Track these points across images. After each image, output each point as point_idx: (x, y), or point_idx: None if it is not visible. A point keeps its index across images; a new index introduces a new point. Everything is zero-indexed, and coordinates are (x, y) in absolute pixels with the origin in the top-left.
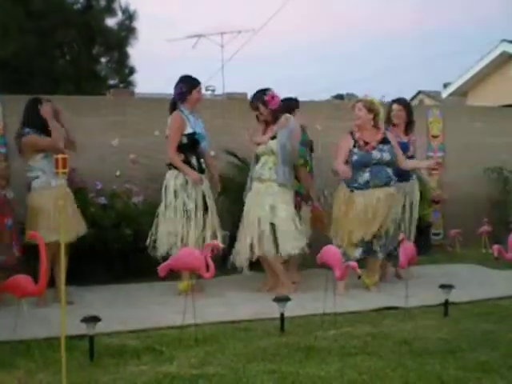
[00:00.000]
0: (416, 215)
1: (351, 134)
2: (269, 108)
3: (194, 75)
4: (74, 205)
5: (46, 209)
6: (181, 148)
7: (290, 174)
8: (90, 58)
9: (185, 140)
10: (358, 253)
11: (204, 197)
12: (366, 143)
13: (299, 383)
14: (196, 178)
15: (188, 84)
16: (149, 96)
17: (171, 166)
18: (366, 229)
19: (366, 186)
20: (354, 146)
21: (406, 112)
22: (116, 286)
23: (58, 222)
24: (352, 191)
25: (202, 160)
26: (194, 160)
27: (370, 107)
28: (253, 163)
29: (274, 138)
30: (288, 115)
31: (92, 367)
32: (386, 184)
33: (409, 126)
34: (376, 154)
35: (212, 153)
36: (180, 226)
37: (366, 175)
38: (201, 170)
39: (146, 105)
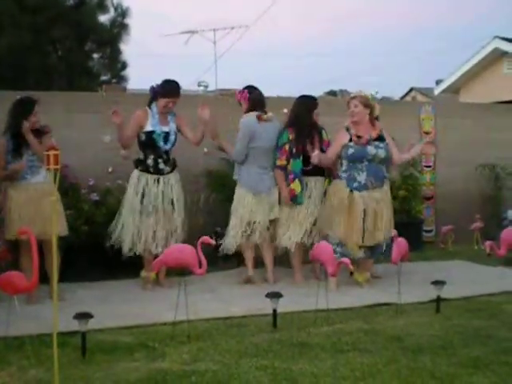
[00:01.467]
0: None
1: (347, 129)
2: (244, 104)
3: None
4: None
5: (19, 204)
6: (140, 145)
7: (241, 171)
8: (82, 54)
9: (143, 137)
10: (360, 253)
11: (168, 195)
12: (360, 137)
13: (292, 379)
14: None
15: (163, 90)
16: (141, 92)
17: (137, 163)
18: (367, 231)
19: (365, 187)
20: (350, 141)
21: None
22: (108, 282)
23: (31, 217)
24: (351, 191)
25: (160, 160)
26: (150, 160)
27: (366, 103)
28: None
29: None
30: (250, 113)
31: (84, 363)
32: (382, 183)
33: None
34: (371, 150)
35: (205, 149)
36: (139, 224)
37: (364, 175)
38: (157, 171)
39: (137, 101)
